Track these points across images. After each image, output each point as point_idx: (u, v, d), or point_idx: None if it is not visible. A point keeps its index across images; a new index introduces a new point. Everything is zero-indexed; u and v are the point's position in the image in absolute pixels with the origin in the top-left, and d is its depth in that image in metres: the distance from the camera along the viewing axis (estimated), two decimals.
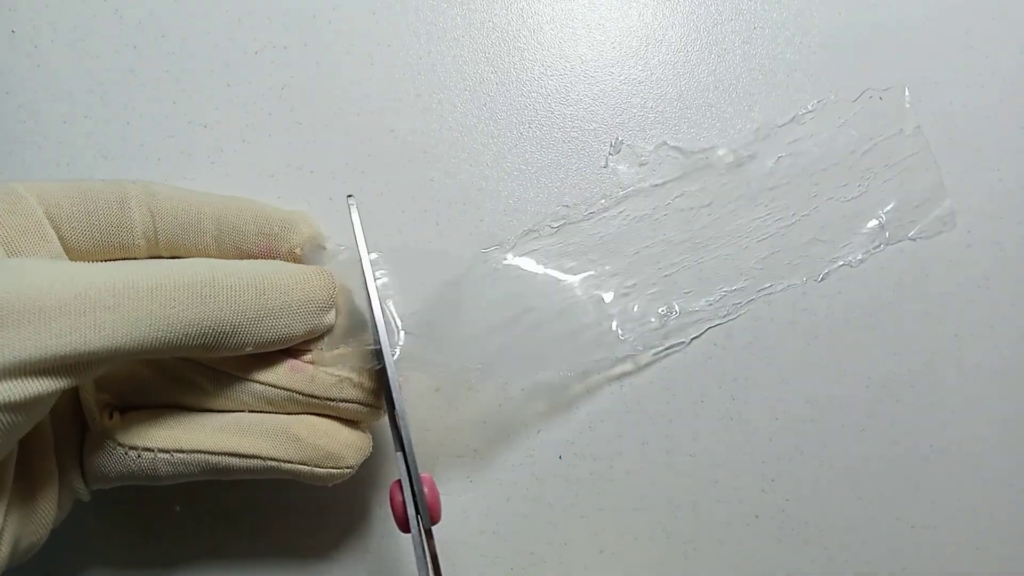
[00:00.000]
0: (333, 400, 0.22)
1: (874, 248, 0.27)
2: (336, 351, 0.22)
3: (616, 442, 0.27)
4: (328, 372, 0.22)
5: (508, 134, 0.28)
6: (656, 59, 0.29)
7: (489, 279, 0.26)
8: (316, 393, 0.22)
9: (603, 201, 0.27)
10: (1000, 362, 0.28)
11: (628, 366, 0.27)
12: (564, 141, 0.28)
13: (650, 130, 0.28)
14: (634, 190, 0.27)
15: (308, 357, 0.22)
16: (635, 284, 0.27)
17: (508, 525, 0.27)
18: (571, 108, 0.28)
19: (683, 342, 0.27)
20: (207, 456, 0.21)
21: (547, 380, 0.27)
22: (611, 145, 0.26)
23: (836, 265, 0.27)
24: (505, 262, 0.26)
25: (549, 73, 0.28)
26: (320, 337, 0.23)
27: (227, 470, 0.22)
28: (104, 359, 0.18)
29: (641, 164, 0.27)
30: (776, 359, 0.28)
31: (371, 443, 0.24)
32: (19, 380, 0.17)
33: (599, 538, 0.27)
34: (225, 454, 0.22)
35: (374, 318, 0.22)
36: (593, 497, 0.27)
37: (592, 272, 0.27)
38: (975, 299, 0.28)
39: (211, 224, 0.23)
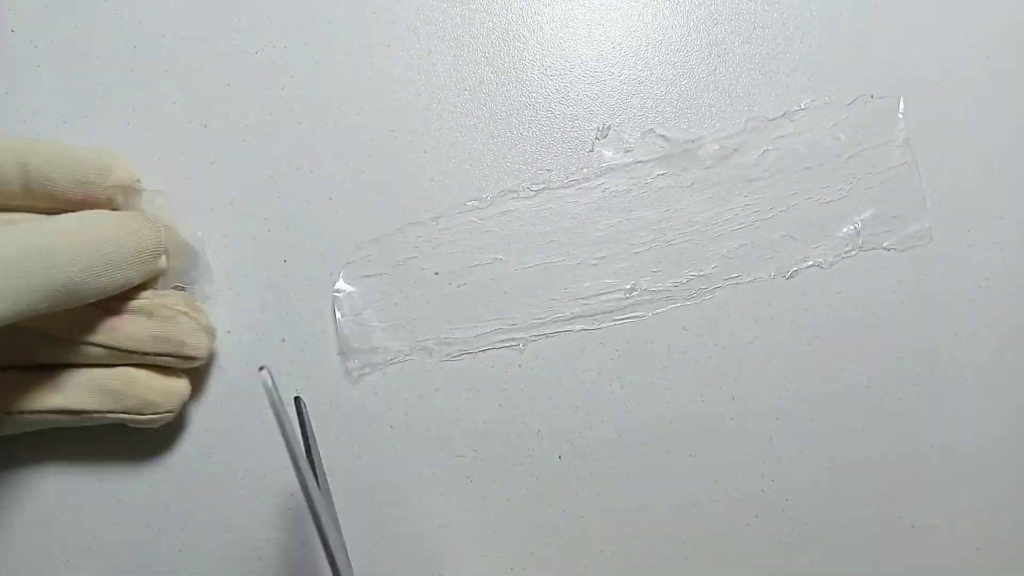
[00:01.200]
0: (146, 353, 0.24)
1: (846, 252, 0.27)
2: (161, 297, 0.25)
3: (616, 442, 0.27)
4: (136, 325, 0.24)
5: (508, 134, 0.28)
6: (656, 59, 0.29)
7: (464, 230, 0.27)
8: (128, 347, 0.24)
9: (585, 170, 0.27)
10: (1000, 362, 0.28)
11: (583, 325, 0.27)
12: (564, 141, 0.28)
13: (648, 129, 0.28)
14: (617, 164, 0.27)
15: (127, 307, 0.24)
16: (605, 257, 0.27)
17: (508, 525, 0.27)
18: (571, 108, 0.28)
19: (643, 315, 0.27)
20: (42, 415, 0.24)
21: (497, 331, 0.27)
22: (598, 129, 0.26)
23: (806, 264, 0.27)
24: (481, 217, 0.27)
25: (549, 73, 0.28)
26: (156, 278, 0.25)
27: (64, 423, 0.24)
28: None
29: (627, 150, 0.27)
30: (776, 359, 0.28)
31: (188, 388, 0.26)
32: None
33: (599, 538, 0.27)
34: (56, 412, 0.24)
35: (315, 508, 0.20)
36: (593, 497, 0.27)
37: (564, 240, 0.27)
38: (975, 299, 0.28)
39: (15, 172, 0.23)
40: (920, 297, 0.28)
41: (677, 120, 0.28)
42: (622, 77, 0.28)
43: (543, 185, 0.27)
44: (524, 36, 0.29)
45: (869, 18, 0.29)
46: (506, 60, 0.28)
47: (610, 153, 0.27)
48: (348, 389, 0.27)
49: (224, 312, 0.27)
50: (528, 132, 0.28)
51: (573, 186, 0.27)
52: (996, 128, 0.29)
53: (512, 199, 0.27)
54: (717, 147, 0.27)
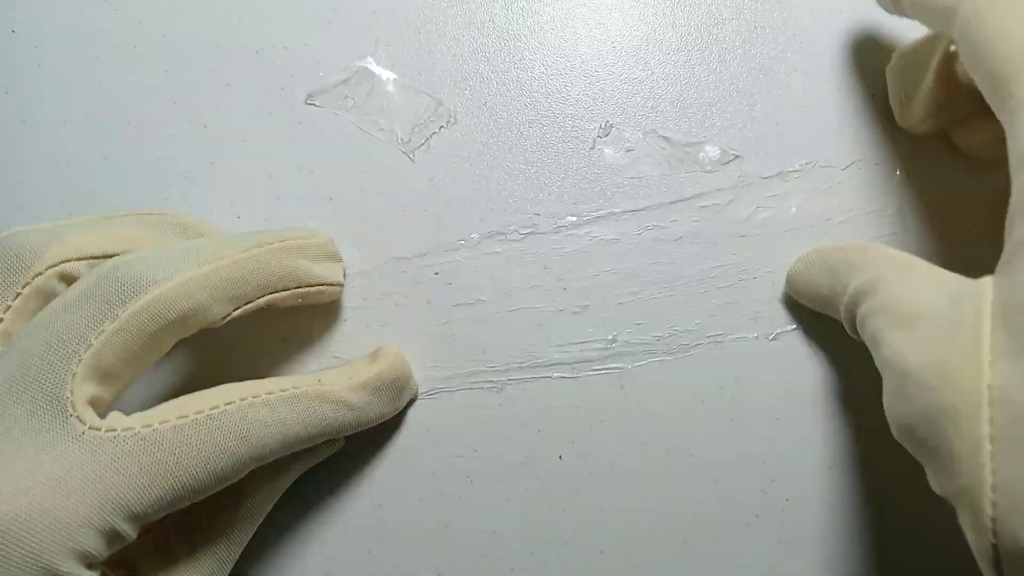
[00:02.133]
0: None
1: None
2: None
3: (616, 442, 0.27)
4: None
5: (508, 134, 0.28)
6: (656, 58, 0.28)
7: (448, 269, 0.27)
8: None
9: (572, 219, 0.27)
10: None
11: (561, 373, 0.27)
12: (564, 140, 0.28)
13: (650, 129, 0.28)
14: (606, 213, 0.27)
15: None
16: (588, 306, 0.27)
17: (508, 525, 0.27)
18: (571, 108, 0.28)
19: (623, 367, 0.27)
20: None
21: (477, 372, 0.27)
22: (600, 127, 0.26)
23: (790, 328, 0.27)
24: (467, 257, 0.27)
25: (549, 73, 0.28)
26: None
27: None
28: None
29: (628, 150, 0.27)
30: (776, 359, 0.27)
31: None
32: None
33: (599, 538, 0.27)
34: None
35: None
36: (593, 497, 0.27)
37: (548, 285, 0.27)
38: None
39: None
40: None
41: (678, 120, 0.28)
42: (623, 76, 0.28)
43: (531, 229, 0.27)
44: (524, 36, 0.29)
45: (869, 18, 0.29)
46: (506, 60, 0.28)
47: (611, 151, 0.27)
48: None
49: None
50: (528, 132, 0.28)
51: (561, 232, 0.27)
52: None
53: (499, 241, 0.27)
54: (718, 155, 0.27)
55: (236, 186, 0.28)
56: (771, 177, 0.28)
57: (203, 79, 0.28)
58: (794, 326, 0.27)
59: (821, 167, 0.28)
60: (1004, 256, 0.18)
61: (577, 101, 0.28)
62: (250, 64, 0.28)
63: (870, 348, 0.21)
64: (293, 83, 0.28)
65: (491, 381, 0.27)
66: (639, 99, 0.28)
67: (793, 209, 0.27)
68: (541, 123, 0.28)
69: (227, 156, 0.28)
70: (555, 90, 0.28)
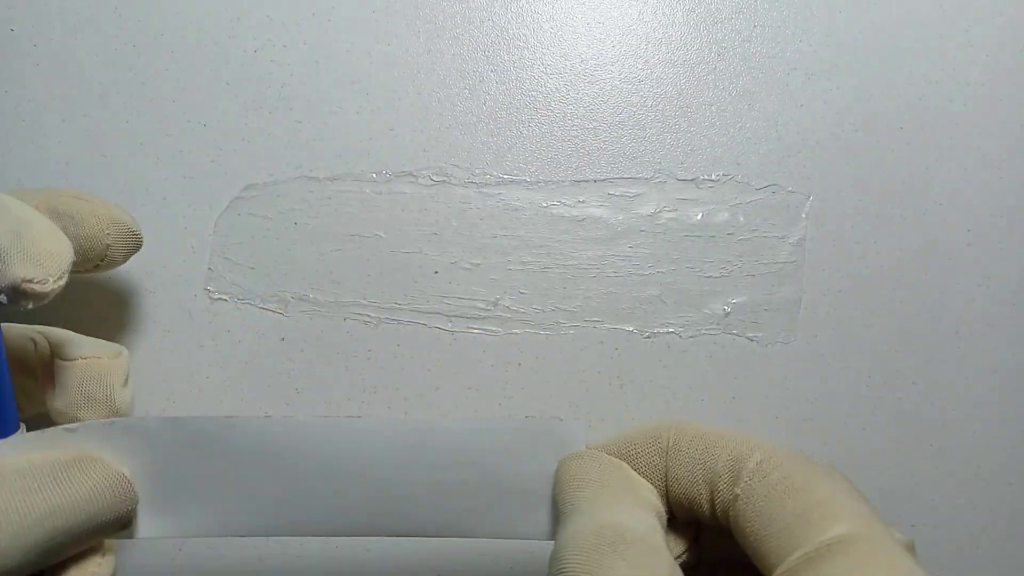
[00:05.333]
0: None
1: (706, 329, 0.27)
2: None
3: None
4: None
5: (508, 134, 0.28)
6: (656, 58, 0.29)
7: (354, 198, 0.27)
8: None
9: (488, 176, 0.28)
10: (1000, 362, 0.28)
11: (437, 324, 0.27)
12: (564, 140, 0.28)
13: (650, 128, 0.28)
14: (519, 180, 0.28)
15: None
16: (480, 264, 0.27)
17: None
18: (571, 107, 0.28)
19: (497, 331, 0.27)
20: None
21: (356, 304, 0.27)
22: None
23: (666, 330, 0.27)
24: (376, 191, 0.28)
25: (549, 72, 0.28)
26: None
27: None
28: None
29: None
30: (776, 358, 0.28)
31: None
32: None
33: None
34: None
35: None
36: None
37: (447, 236, 0.27)
38: (975, 299, 0.28)
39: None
40: (920, 296, 0.28)
41: (677, 119, 0.28)
42: (622, 76, 0.28)
43: (444, 178, 0.27)
44: (524, 35, 0.29)
45: (869, 17, 0.29)
46: (506, 59, 0.28)
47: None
48: (348, 387, 0.27)
49: (227, 310, 0.27)
50: (528, 131, 0.28)
51: (472, 187, 0.27)
52: (996, 128, 0.29)
53: (409, 183, 0.27)
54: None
55: (236, 186, 0.28)
56: (685, 180, 0.28)
57: (203, 78, 0.28)
58: (670, 329, 0.27)
59: (737, 182, 0.28)
60: None
61: (576, 100, 0.28)
62: (250, 62, 0.28)
63: None
64: (292, 81, 0.28)
65: (368, 316, 0.27)
66: (638, 99, 0.28)
67: (698, 217, 0.27)
68: (540, 123, 0.28)
69: (227, 156, 0.28)
70: (555, 89, 0.28)
